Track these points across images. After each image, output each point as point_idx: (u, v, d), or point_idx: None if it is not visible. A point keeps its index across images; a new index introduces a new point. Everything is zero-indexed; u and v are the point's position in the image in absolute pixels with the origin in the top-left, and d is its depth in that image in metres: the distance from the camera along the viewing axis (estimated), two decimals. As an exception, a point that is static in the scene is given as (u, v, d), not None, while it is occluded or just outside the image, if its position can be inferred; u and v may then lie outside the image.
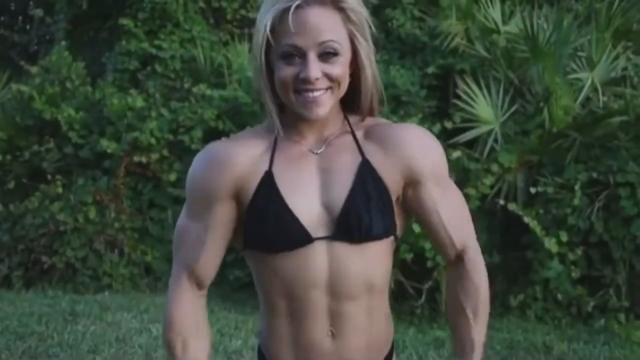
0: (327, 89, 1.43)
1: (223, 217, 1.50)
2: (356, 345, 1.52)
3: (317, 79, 1.40)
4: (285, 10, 1.38)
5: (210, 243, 1.51)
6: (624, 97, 5.77)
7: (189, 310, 1.55)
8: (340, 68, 1.43)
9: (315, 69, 1.39)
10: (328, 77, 1.42)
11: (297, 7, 1.38)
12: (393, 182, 1.49)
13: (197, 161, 1.53)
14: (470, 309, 1.57)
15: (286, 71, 1.41)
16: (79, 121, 7.01)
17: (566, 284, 5.10)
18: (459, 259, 1.60)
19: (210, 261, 1.53)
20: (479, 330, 1.56)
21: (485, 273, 1.61)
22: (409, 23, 7.28)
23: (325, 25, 1.40)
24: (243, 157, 1.49)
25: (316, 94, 1.42)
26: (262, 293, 1.55)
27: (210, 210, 1.49)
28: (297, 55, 1.40)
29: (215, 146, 1.53)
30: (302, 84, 1.41)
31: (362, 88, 1.50)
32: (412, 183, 1.51)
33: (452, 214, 1.56)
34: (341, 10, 1.43)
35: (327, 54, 1.41)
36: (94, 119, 7.08)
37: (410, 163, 1.49)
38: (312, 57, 1.40)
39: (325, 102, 1.43)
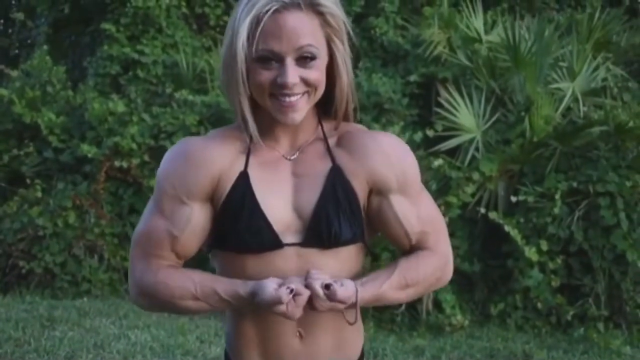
0: (303, 93, 1.41)
1: (199, 219, 1.47)
2: (325, 346, 1.51)
3: (294, 84, 1.39)
4: (263, 14, 1.36)
5: (185, 236, 1.47)
6: (604, 108, 5.82)
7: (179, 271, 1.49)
8: (317, 72, 1.41)
9: (293, 74, 1.38)
10: (305, 81, 1.40)
11: (275, 10, 1.36)
12: (361, 188, 1.49)
13: (173, 157, 1.49)
14: (400, 271, 1.49)
15: (263, 75, 1.39)
16: (60, 125, 6.97)
17: (546, 293, 5.11)
18: (413, 249, 1.56)
19: (191, 246, 1.49)
20: (389, 286, 1.47)
21: (435, 269, 1.55)
22: (392, 31, 7.31)
23: (303, 30, 1.38)
24: (220, 156, 1.46)
25: (292, 98, 1.40)
26: None
27: (187, 210, 1.46)
28: (274, 59, 1.38)
29: (191, 143, 1.49)
30: (278, 89, 1.39)
31: (336, 92, 1.49)
32: (376, 192, 1.50)
33: (411, 213, 1.52)
34: (319, 14, 1.41)
35: (304, 58, 1.39)
36: (74, 123, 7.04)
37: (376, 172, 1.48)
38: (290, 62, 1.38)
39: (301, 107, 1.42)
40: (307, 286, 1.37)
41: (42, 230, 6.29)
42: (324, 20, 1.42)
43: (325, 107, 1.52)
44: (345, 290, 1.38)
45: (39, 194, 6.55)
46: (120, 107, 6.80)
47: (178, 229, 1.46)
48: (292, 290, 1.35)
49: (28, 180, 6.77)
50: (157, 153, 6.54)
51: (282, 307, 1.36)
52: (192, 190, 1.45)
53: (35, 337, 4.85)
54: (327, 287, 1.36)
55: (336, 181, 1.46)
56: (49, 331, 5.00)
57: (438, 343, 4.81)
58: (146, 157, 6.55)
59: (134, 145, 6.49)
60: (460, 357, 4.49)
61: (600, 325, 5.03)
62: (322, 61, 1.42)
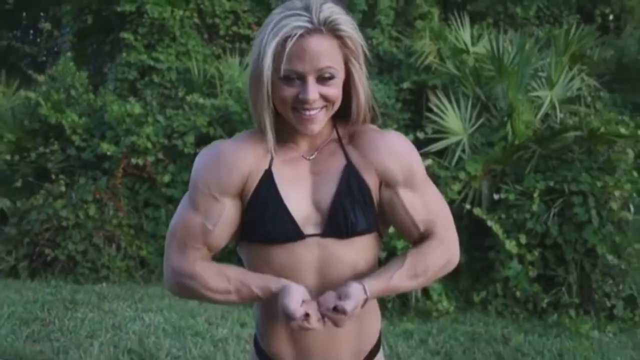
0: (322, 107, 1.44)
1: (230, 213, 1.49)
2: (347, 331, 1.52)
3: (314, 100, 1.42)
4: (288, 38, 1.38)
5: (218, 229, 1.49)
6: (578, 115, 5.84)
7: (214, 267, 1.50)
8: (335, 90, 1.44)
9: (314, 92, 1.41)
10: (324, 97, 1.43)
11: (299, 35, 1.38)
12: (373, 182, 1.51)
13: (207, 158, 1.51)
14: (410, 261, 1.52)
15: (287, 91, 1.42)
16: (82, 126, 6.98)
17: (524, 282, 5.12)
18: (422, 237, 1.57)
19: (222, 239, 1.51)
20: (400, 276, 1.50)
21: (442, 257, 1.57)
22: (387, 42, 7.32)
23: (324, 52, 1.41)
24: (249, 156, 1.49)
25: (312, 112, 1.43)
26: None
27: (219, 206, 1.48)
28: (297, 78, 1.41)
29: (223, 146, 1.52)
30: (300, 104, 1.42)
31: (353, 105, 1.51)
32: (386, 185, 1.52)
33: (418, 203, 1.54)
34: (339, 37, 1.43)
35: (324, 78, 1.42)
36: (95, 123, 7.04)
37: (384, 167, 1.51)
38: (311, 80, 1.41)
39: (319, 120, 1.45)
40: (322, 315, 1.39)
41: (65, 221, 6.30)
42: (342, 43, 1.44)
43: (342, 115, 1.54)
44: (353, 300, 1.40)
45: (63, 188, 6.56)
46: (137, 109, 6.79)
47: (212, 223, 1.48)
48: (307, 314, 1.38)
49: (53, 176, 6.79)
50: (170, 151, 6.56)
51: (292, 323, 1.39)
52: (224, 188, 1.48)
53: (59, 318, 4.88)
54: (334, 309, 1.39)
55: (350, 177, 1.49)
56: (71, 312, 5.03)
57: (426, 327, 4.82)
58: (160, 155, 6.55)
59: (149, 144, 6.50)
60: (445, 340, 4.51)
61: (572, 312, 5.04)
62: (339, 79, 1.45)
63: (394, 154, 1.52)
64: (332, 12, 1.42)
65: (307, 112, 1.43)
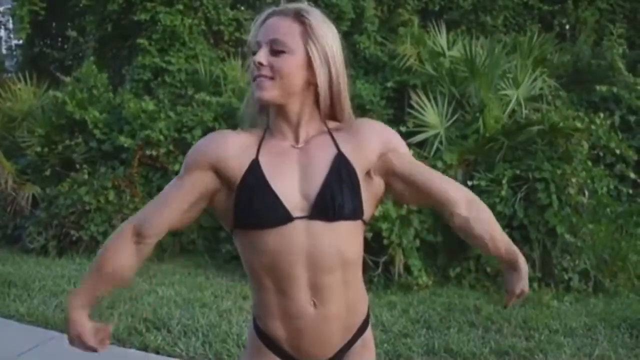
0: (270, 78, 1.40)
1: (197, 181, 1.44)
2: (336, 312, 1.46)
3: (260, 63, 1.38)
4: (260, 21, 1.44)
5: (171, 201, 1.46)
6: (541, 111, 5.81)
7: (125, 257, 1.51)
8: (285, 64, 1.39)
9: (262, 55, 1.39)
10: (272, 68, 1.39)
11: (267, 16, 1.42)
12: (361, 170, 1.45)
13: (199, 142, 1.51)
14: (495, 231, 1.57)
15: (249, 61, 1.44)
16: (102, 121, 6.94)
17: (494, 259, 5.04)
18: (466, 203, 1.56)
19: (162, 219, 1.46)
20: (506, 238, 1.59)
21: (482, 202, 1.59)
22: (373, 46, 7.27)
23: (279, 29, 1.40)
24: (233, 142, 1.45)
25: (261, 79, 1.40)
26: (251, 272, 1.47)
27: (190, 175, 1.45)
28: (258, 49, 1.41)
29: (218, 132, 1.52)
30: (255, 71, 1.40)
31: (319, 90, 1.45)
32: (390, 150, 1.49)
33: (437, 175, 1.57)
34: (302, 23, 1.40)
35: (277, 52, 1.39)
36: (114, 119, 6.99)
37: (382, 139, 1.48)
38: (264, 48, 1.40)
39: (267, 88, 1.40)
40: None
41: (88, 206, 6.26)
42: (304, 30, 1.40)
43: (327, 112, 1.50)
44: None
45: (86, 176, 6.53)
46: (151, 106, 6.76)
47: (178, 187, 1.46)
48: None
49: (77, 166, 6.77)
50: (180, 144, 6.50)
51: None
52: (199, 161, 1.45)
53: (82, 291, 4.81)
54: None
55: (340, 164, 1.42)
56: (93, 286, 4.96)
57: (407, 299, 4.78)
58: (171, 147, 6.52)
59: (162, 137, 6.45)
60: (424, 310, 4.46)
61: (535, 285, 4.99)
62: (291, 57, 1.40)
63: (385, 130, 1.52)
64: (303, 6, 1.43)
65: (258, 78, 1.40)
